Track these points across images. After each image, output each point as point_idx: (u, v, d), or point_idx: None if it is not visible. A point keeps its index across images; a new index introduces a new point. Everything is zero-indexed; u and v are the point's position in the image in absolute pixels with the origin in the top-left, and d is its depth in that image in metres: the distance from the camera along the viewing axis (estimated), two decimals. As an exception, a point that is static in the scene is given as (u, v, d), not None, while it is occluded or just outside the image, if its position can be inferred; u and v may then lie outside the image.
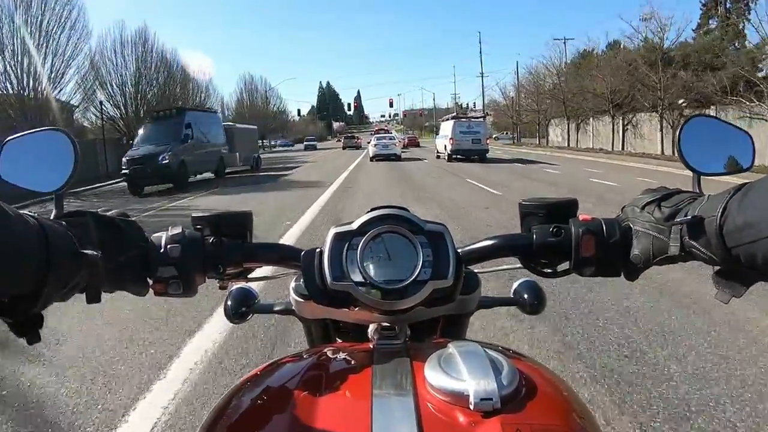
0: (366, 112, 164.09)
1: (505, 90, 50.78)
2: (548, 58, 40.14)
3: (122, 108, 28.60)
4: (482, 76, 66.66)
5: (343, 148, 48.75)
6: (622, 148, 27.74)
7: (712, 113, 20.45)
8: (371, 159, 25.96)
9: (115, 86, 28.85)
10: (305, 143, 57.83)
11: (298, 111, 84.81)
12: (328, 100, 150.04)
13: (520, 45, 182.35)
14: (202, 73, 40.70)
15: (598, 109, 30.72)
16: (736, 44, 26.50)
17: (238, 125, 26.19)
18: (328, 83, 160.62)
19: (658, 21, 25.73)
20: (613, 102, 28.41)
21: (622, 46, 31.43)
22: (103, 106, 27.32)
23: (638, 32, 26.90)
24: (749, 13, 28.71)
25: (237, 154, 22.05)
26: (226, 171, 20.66)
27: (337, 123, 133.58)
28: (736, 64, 20.89)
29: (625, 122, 28.33)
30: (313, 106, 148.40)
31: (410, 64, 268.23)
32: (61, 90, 22.36)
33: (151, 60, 30.33)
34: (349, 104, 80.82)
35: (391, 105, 74.28)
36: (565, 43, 39.83)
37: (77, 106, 26.30)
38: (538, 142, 41.90)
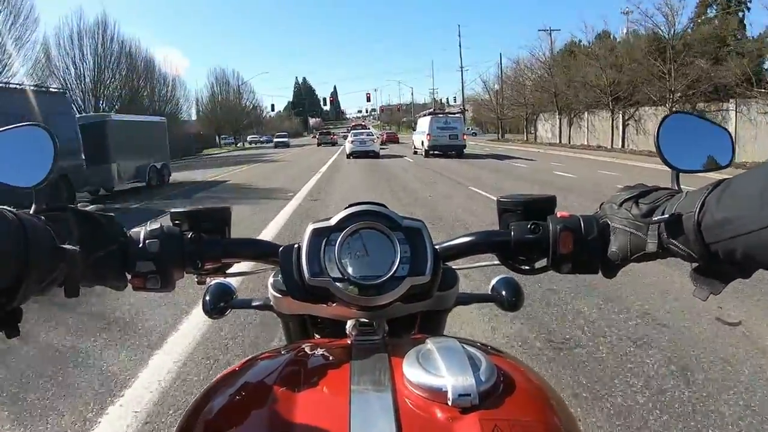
0: (343, 108, 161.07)
1: (488, 83, 48.26)
2: (535, 49, 37.73)
3: (80, 102, 25.90)
4: (461, 70, 64.44)
5: (318, 144, 46.01)
6: (623, 145, 25.32)
7: (731, 107, 18.21)
8: (348, 156, 24.20)
9: (73, 78, 25.82)
10: (275, 140, 52.44)
11: (272, 106, 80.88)
12: (304, 95, 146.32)
13: (502, 39, 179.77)
14: (170, 66, 37.12)
15: (595, 102, 28.29)
16: (737, 35, 24.65)
17: (122, 117, 16.04)
18: (304, 79, 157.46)
19: (669, 6, 23.15)
20: (612, 95, 26.07)
21: (625, 34, 29.18)
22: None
23: (647, 17, 24.16)
24: (750, 2, 26.78)
25: (115, 165, 13.11)
26: (81, 195, 11.60)
27: (314, 119, 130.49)
28: (751, 54, 18.68)
29: (626, 117, 25.79)
30: (289, 102, 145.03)
31: (388, 58, 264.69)
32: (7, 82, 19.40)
33: (111, 51, 27.68)
34: (324, 99, 77.44)
35: (368, 99, 71.65)
36: (550, 34, 37.17)
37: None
38: (525, 138, 39.38)
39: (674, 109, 21.39)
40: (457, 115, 27.76)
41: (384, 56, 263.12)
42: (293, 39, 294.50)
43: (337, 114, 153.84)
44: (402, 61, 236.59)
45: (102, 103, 26.57)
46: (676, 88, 21.68)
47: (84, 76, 26.35)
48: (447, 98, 79.59)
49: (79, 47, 26.29)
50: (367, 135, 27.09)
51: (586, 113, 30.07)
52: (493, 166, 18.23)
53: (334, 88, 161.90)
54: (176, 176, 17.14)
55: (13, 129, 0.69)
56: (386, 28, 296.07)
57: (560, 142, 32.75)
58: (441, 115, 25.76)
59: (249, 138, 61.75)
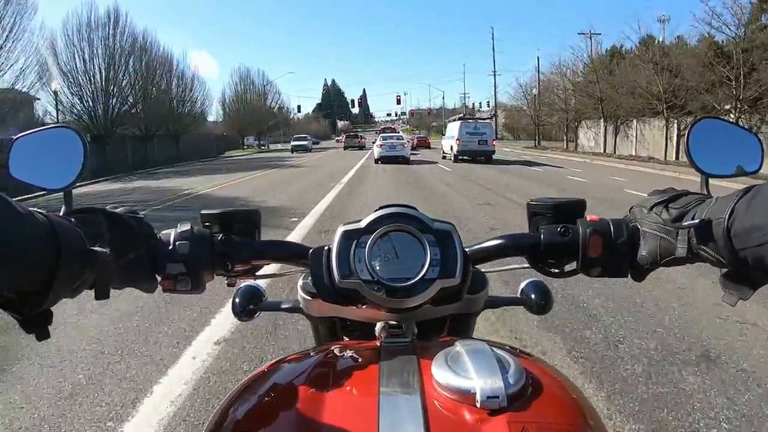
0: (371, 111, 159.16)
1: (525, 87, 45.64)
2: (575, 51, 35.34)
3: (89, 102, 24.45)
4: (494, 75, 62.52)
5: (345, 148, 43.50)
6: (677, 157, 22.77)
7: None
8: (376, 161, 23.38)
9: (79, 76, 24.38)
10: (292, 144, 45.18)
11: (298, 107, 78.97)
12: (332, 98, 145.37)
13: (536, 43, 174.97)
14: (191, 64, 35.98)
15: (645, 109, 25.83)
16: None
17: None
18: (333, 81, 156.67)
19: (740, 5, 20.56)
20: (667, 102, 23.68)
21: (663, 38, 26.95)
22: (58, 97, 22.83)
23: (715, 16, 21.32)
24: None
25: None
26: None
27: (342, 122, 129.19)
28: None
29: (682, 126, 23.26)
30: (318, 104, 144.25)
31: (418, 62, 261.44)
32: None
33: (123, 45, 26.06)
34: (353, 101, 75.18)
35: (398, 102, 68.59)
36: (591, 38, 34.60)
37: (38, 98, 22.26)
38: (565, 146, 36.82)
39: (741, 118, 18.92)
40: (486, 120, 27.75)
41: (414, 60, 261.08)
42: (322, 41, 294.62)
43: (365, 117, 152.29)
44: (433, 64, 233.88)
45: (113, 102, 25.28)
46: (745, 96, 19.20)
47: (94, 73, 24.83)
48: (480, 102, 76.93)
49: (88, 40, 24.69)
50: (397, 139, 26.43)
51: (635, 121, 27.50)
52: (542, 179, 16.27)
53: (363, 91, 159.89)
54: (163, 184, 15.71)
55: (41, 131, 0.70)
56: (418, 31, 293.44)
57: (604, 151, 30.40)
58: (471, 121, 25.51)
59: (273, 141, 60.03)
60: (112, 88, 25.33)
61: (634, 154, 27.13)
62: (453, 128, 24.95)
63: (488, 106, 66.72)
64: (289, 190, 13.43)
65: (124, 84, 26.31)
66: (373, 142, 28.35)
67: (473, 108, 78.53)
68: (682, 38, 26.45)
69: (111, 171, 20.37)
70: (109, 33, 25.42)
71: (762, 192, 0.53)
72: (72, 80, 24.32)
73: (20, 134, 0.68)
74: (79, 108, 24.60)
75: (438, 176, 17.04)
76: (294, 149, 42.89)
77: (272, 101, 59.38)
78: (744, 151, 0.73)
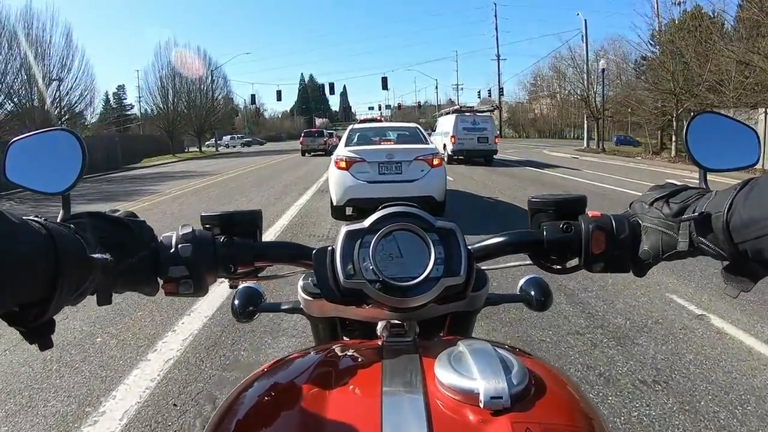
0: (351, 106, 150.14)
1: (558, 68, 35.60)
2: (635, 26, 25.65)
3: None
4: (498, 59, 54.79)
5: (303, 153, 32.53)
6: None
7: None
8: (337, 210, 8.26)
9: None
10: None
11: (278, 93, 66.64)
12: (310, 93, 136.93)
13: (543, 25, 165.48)
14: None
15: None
16: None
17: None
18: (311, 76, 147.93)
19: None
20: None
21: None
22: None
23: None
24: None
25: None
26: None
27: (320, 119, 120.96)
28: None
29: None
30: (296, 102, 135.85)
31: (402, 51, 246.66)
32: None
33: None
34: (331, 85, 65.59)
35: (384, 86, 57.24)
36: (680, 4, 25.07)
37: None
38: (658, 148, 26.89)
39: None
40: (487, 113, 23.42)
41: (398, 48, 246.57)
42: (296, 28, 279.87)
43: (346, 114, 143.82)
44: (418, 54, 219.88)
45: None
46: None
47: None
48: (479, 92, 68.27)
49: None
50: (404, 141, 15.02)
51: (764, 112, 16.99)
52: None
53: (344, 87, 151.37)
54: None
55: (40, 134, 0.71)
56: (403, 16, 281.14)
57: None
58: (468, 114, 22.23)
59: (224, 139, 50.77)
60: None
61: None
62: (446, 123, 22.33)
63: (489, 95, 58.27)
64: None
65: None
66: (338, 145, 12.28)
67: (461, 105, 70.68)
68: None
69: None
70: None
71: (759, 185, 0.56)
72: None
73: (16, 137, 0.69)
74: None
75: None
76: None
77: (218, 93, 49.23)
78: (742, 145, 0.76)
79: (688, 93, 21.72)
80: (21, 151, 0.69)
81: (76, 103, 27.18)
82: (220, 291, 4.35)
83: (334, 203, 8.11)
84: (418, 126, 10.38)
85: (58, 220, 0.61)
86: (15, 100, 22.44)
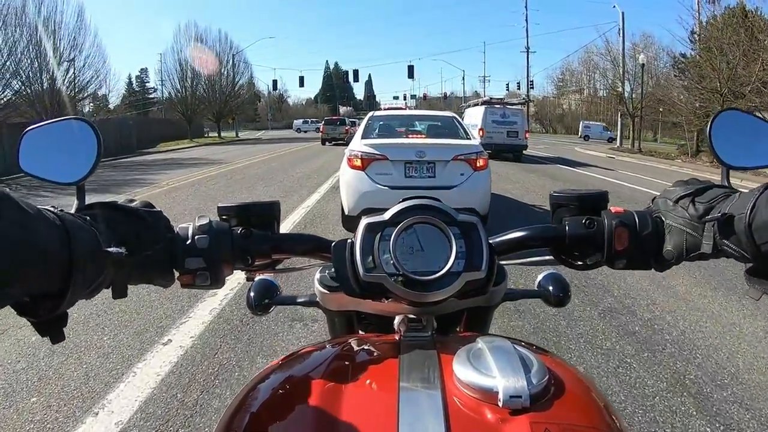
0: (376, 94, 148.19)
1: (589, 62, 33.67)
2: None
3: None
4: (527, 52, 52.83)
5: (323, 141, 31.79)
6: None
7: None
8: (348, 221, 6.37)
9: None
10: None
11: (301, 79, 63.58)
12: (335, 81, 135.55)
13: (572, 18, 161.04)
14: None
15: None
16: None
17: None
18: (335, 64, 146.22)
19: None
20: None
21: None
22: None
23: None
24: None
25: None
26: None
27: (344, 107, 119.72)
28: None
29: None
30: (320, 90, 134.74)
31: (428, 41, 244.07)
32: None
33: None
34: (355, 71, 63.80)
35: (411, 74, 55.35)
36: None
37: None
38: (694, 150, 24.00)
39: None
40: (517, 107, 22.04)
41: (425, 37, 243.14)
42: (322, 14, 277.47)
43: (370, 103, 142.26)
44: (444, 42, 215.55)
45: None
46: None
47: None
48: (507, 84, 66.11)
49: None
50: (435, 133, 12.80)
51: None
52: None
53: (369, 76, 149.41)
54: None
55: (54, 123, 0.70)
56: (429, 5, 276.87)
57: None
58: (498, 106, 20.98)
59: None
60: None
61: None
62: (474, 115, 20.78)
63: (518, 88, 56.24)
64: None
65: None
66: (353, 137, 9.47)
67: (490, 96, 68.70)
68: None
69: None
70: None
71: None
72: None
73: (30, 126, 0.68)
74: None
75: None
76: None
77: (239, 78, 47.71)
78: (766, 143, 0.75)
79: (734, 93, 19.95)
80: (35, 140, 0.68)
81: (87, 84, 26.10)
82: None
83: (346, 212, 6.23)
84: (455, 116, 8.16)
85: (72, 211, 0.59)
86: (24, 80, 21.41)
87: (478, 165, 6.12)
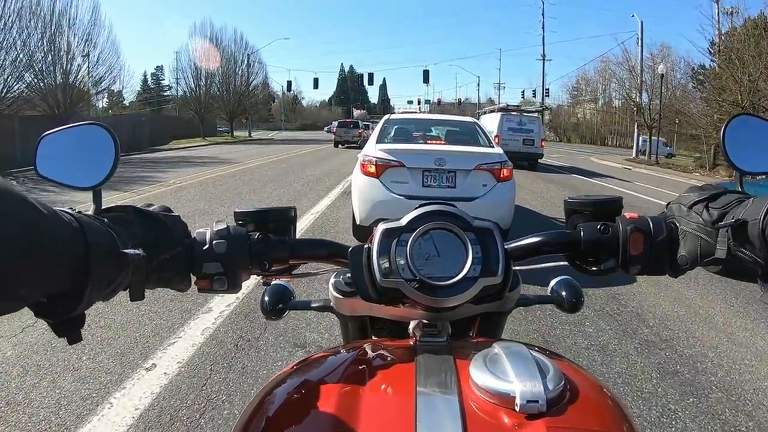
0: (390, 98, 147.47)
1: (605, 71, 33.19)
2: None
3: None
4: (543, 59, 52.16)
5: (336, 144, 31.21)
6: None
7: None
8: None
9: None
10: None
11: (315, 81, 60.41)
12: (349, 84, 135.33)
13: (593, 26, 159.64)
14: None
15: None
16: None
17: None
18: (350, 66, 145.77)
19: None
20: None
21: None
22: None
23: None
24: None
25: None
26: None
27: (359, 110, 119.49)
28: None
29: None
30: (334, 92, 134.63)
31: (445, 48, 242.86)
32: None
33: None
34: (370, 75, 63.26)
35: (426, 79, 54.67)
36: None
37: None
38: (712, 163, 23.45)
39: None
40: (534, 114, 21.69)
41: (440, 42, 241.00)
42: (338, 16, 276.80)
43: (384, 107, 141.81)
44: (459, 48, 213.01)
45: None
46: None
47: None
48: (523, 92, 65.42)
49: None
50: (461, 140, 12.13)
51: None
52: None
53: (384, 80, 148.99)
54: None
55: (72, 128, 0.70)
56: (445, 11, 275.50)
57: None
58: (515, 114, 20.52)
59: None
60: None
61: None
62: (490, 122, 19.80)
63: (533, 96, 55.56)
64: None
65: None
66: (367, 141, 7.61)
67: (507, 103, 67.99)
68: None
69: None
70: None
71: None
72: None
73: (47, 131, 0.69)
74: None
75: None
76: None
77: (254, 78, 47.09)
78: None
79: (755, 107, 19.54)
80: (51, 145, 0.69)
81: (101, 80, 25.95)
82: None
83: (358, 221, 5.73)
84: (477, 121, 7.53)
85: (91, 213, 0.60)
86: (36, 74, 21.22)
87: (502, 175, 5.57)
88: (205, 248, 0.69)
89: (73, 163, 0.68)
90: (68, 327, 0.54)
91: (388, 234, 0.70)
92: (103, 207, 0.64)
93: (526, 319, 3.94)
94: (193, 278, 0.70)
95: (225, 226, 0.72)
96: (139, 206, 0.66)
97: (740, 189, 0.70)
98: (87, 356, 3.15)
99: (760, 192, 0.82)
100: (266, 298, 0.97)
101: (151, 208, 0.67)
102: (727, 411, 2.83)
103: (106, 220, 0.58)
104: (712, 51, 24.22)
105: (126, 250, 0.56)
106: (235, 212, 0.77)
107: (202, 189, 11.15)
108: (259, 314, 3.88)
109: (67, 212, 0.52)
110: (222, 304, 4.05)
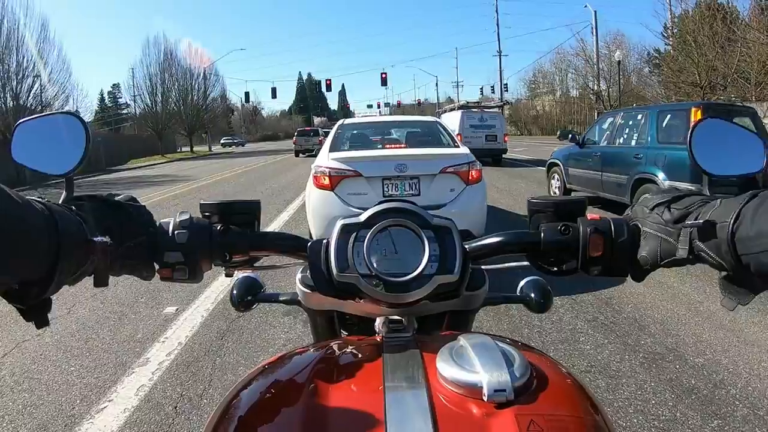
0: (350, 104, 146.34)
1: (561, 63, 33.37)
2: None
3: None
4: (499, 55, 52.51)
5: (296, 153, 30.58)
6: None
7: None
8: None
9: None
10: None
11: (273, 90, 59.83)
12: (308, 92, 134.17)
13: (544, 19, 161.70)
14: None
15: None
16: None
17: None
18: (309, 74, 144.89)
19: None
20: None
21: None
22: None
23: None
24: None
25: None
26: None
27: (319, 118, 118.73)
28: None
29: None
30: (294, 101, 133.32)
31: (400, 49, 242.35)
32: None
33: None
34: (325, 81, 62.04)
35: (384, 82, 54.31)
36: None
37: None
38: None
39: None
40: (495, 110, 22.01)
41: (397, 45, 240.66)
42: (293, 25, 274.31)
43: (344, 113, 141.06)
44: (416, 49, 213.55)
45: None
46: None
47: None
48: (482, 88, 65.65)
49: None
50: (423, 141, 10.77)
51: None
52: None
53: (342, 86, 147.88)
54: None
55: (45, 117, 0.72)
56: (400, 13, 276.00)
57: None
58: (475, 110, 20.39)
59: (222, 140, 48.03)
60: None
61: None
62: (451, 120, 18.91)
63: (492, 92, 55.73)
64: None
65: None
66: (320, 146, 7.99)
67: (467, 101, 68.14)
68: None
69: None
70: None
71: None
72: None
73: (23, 119, 0.71)
74: None
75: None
76: None
77: (211, 90, 45.87)
78: (747, 152, 0.74)
79: (712, 87, 19.74)
80: (26, 132, 0.70)
81: (52, 100, 24.76)
82: None
83: (314, 238, 4.99)
84: (439, 120, 6.83)
85: (60, 202, 0.61)
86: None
87: (471, 177, 4.98)
88: (167, 237, 0.69)
89: (48, 150, 0.68)
90: (36, 312, 0.55)
91: (346, 230, 0.71)
92: (74, 195, 0.64)
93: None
94: (157, 267, 0.70)
95: (188, 216, 0.71)
96: (105, 195, 0.67)
97: (707, 193, 0.68)
98: (6, 430, 2.56)
99: None
100: (234, 291, 0.96)
101: (117, 198, 0.68)
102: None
103: (74, 208, 0.59)
104: (665, 35, 24.48)
105: (93, 238, 0.57)
106: (200, 204, 0.77)
107: (154, 212, 10.40)
108: (204, 364, 3.21)
109: (38, 201, 0.53)
110: (162, 352, 3.45)
